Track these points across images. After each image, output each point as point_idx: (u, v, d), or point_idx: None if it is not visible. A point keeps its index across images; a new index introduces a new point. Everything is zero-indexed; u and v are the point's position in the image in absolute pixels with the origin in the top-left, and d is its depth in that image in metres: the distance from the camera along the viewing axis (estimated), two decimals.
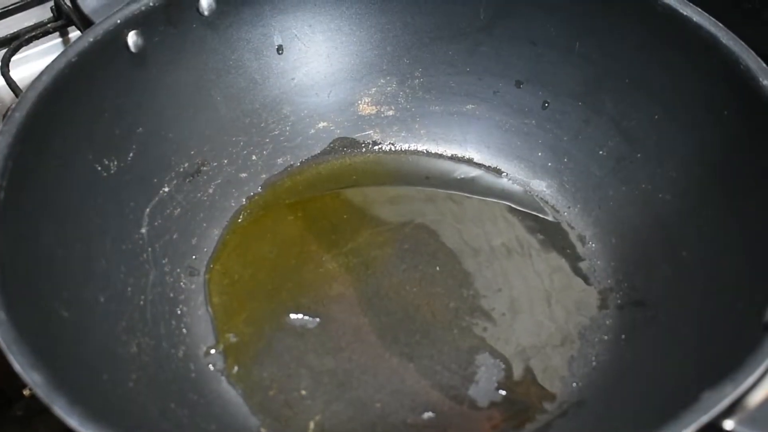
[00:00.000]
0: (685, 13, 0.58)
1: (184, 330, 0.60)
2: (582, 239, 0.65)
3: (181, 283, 0.62)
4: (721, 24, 0.57)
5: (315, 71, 0.70)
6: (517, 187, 0.69)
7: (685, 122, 0.60)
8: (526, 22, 0.66)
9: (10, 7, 0.72)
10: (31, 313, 0.47)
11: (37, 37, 0.72)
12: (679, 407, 0.41)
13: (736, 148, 0.56)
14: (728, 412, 0.41)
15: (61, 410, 0.41)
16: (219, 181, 0.67)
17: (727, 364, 0.43)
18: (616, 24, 0.62)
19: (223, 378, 0.58)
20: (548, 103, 0.68)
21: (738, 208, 0.55)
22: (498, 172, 0.69)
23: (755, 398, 0.41)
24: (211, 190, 0.66)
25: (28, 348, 0.43)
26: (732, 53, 0.56)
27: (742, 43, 0.56)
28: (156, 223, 0.62)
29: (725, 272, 0.54)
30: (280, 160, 0.69)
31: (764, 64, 0.55)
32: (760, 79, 0.54)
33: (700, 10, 0.58)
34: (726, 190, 0.57)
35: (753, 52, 0.55)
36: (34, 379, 0.42)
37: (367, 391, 0.57)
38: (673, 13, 0.59)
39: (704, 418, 0.40)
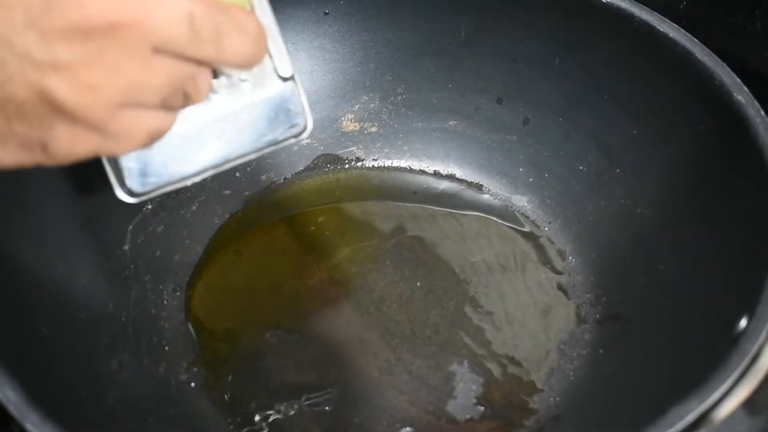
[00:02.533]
0: (661, 29, 0.59)
1: (166, 347, 0.60)
2: (562, 254, 0.65)
3: (164, 300, 0.62)
4: (696, 39, 0.58)
5: None
6: (498, 202, 0.69)
7: (662, 137, 0.61)
8: (506, 39, 0.66)
9: None
10: (8, 330, 0.48)
11: None
12: (648, 422, 0.41)
13: (711, 163, 0.57)
14: (695, 426, 0.41)
15: (34, 427, 0.41)
16: (202, 198, 0.67)
17: (698, 377, 0.43)
18: (595, 40, 0.63)
19: (203, 394, 0.58)
20: (529, 119, 0.68)
21: (712, 222, 0.56)
22: (479, 187, 0.70)
23: (722, 411, 0.41)
24: (194, 207, 0.67)
25: (2, 364, 0.43)
26: (707, 68, 0.57)
27: (717, 58, 0.57)
28: (139, 240, 0.62)
29: (700, 286, 0.54)
30: (263, 177, 0.70)
31: (738, 79, 0.55)
32: (734, 94, 0.55)
33: (676, 26, 0.59)
34: (701, 204, 0.57)
35: (727, 67, 0.56)
36: (6, 395, 0.42)
37: (347, 406, 0.57)
38: (649, 29, 0.60)
39: None
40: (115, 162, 0.43)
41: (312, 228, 0.68)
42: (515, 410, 0.57)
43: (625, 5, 0.60)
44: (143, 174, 0.44)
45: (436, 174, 0.71)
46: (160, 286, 0.63)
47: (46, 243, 0.55)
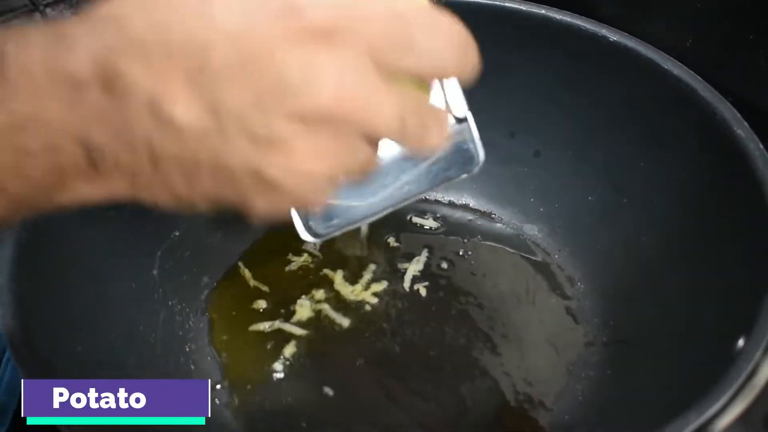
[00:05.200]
0: (666, 67, 0.61)
1: (192, 366, 0.63)
2: (571, 280, 0.68)
3: (190, 322, 0.65)
4: (699, 77, 0.60)
5: None
6: (510, 231, 0.72)
7: (667, 170, 0.63)
8: (518, 76, 0.68)
9: None
10: (49, 348, 0.51)
11: None
12: None
13: (713, 194, 0.59)
14: None
15: None
16: (227, 225, 0.70)
17: (698, 393, 0.45)
18: (603, 77, 0.65)
19: (228, 412, 0.61)
20: (540, 152, 0.71)
21: (713, 249, 0.58)
22: (492, 217, 0.73)
23: (720, 425, 0.43)
24: (219, 235, 0.69)
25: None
26: (709, 104, 0.59)
27: (719, 94, 0.59)
28: (167, 266, 0.65)
29: (701, 309, 0.57)
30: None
31: (738, 115, 0.58)
32: (734, 128, 0.57)
33: (680, 64, 0.61)
34: (703, 232, 0.60)
35: (728, 103, 0.58)
36: None
37: (363, 424, 0.60)
38: (654, 67, 0.62)
39: None
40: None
41: (331, 256, 0.70)
42: (526, 429, 0.59)
43: (631, 44, 0.63)
44: (327, 217, 0.45)
45: (451, 204, 0.74)
46: (187, 309, 0.66)
47: (83, 268, 0.58)
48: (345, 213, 0.46)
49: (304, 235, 0.46)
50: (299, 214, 0.46)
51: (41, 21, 0.69)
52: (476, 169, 0.48)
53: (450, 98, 0.46)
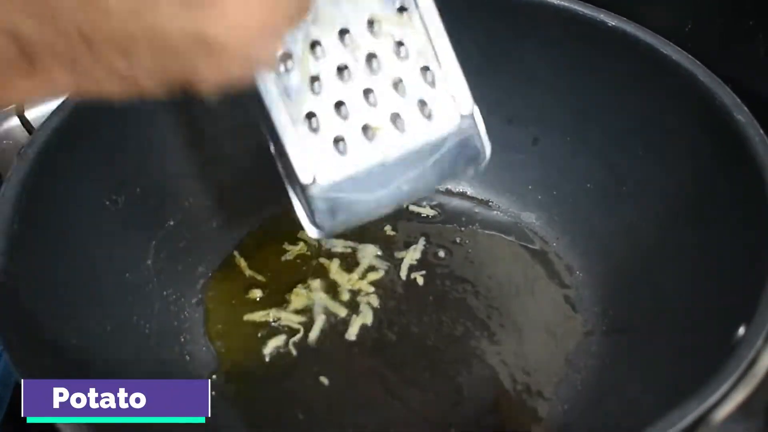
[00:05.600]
0: (665, 52, 0.61)
1: (187, 356, 0.62)
2: (570, 269, 0.67)
3: (185, 313, 0.65)
4: (698, 61, 0.60)
5: None
6: (508, 219, 0.71)
7: (666, 156, 0.63)
8: (516, 63, 0.68)
9: None
10: (42, 340, 0.50)
11: None
12: (649, 423, 0.43)
13: (713, 180, 0.59)
14: (694, 427, 0.43)
15: None
16: (223, 214, 0.69)
17: (698, 382, 0.45)
18: (602, 63, 0.65)
19: (223, 403, 0.60)
20: (538, 139, 0.70)
21: (713, 237, 0.58)
22: (489, 204, 0.72)
23: (720, 414, 0.43)
24: (214, 224, 0.69)
25: (38, 372, 0.46)
26: (708, 89, 0.58)
27: (718, 79, 0.59)
28: (161, 255, 0.65)
29: (701, 297, 0.56)
30: (282, 196, 0.71)
31: (738, 100, 0.57)
32: (734, 114, 0.57)
33: (678, 48, 0.61)
34: (702, 220, 0.59)
35: (728, 88, 0.58)
36: None
37: (360, 415, 0.60)
38: (653, 52, 0.62)
39: None
40: (306, 202, 0.45)
41: (327, 245, 0.70)
42: (524, 419, 0.59)
43: (630, 29, 0.62)
44: (332, 212, 0.45)
45: (448, 192, 0.73)
46: (182, 299, 0.65)
47: (75, 258, 0.58)
48: (350, 208, 0.46)
49: (310, 230, 0.46)
50: (304, 210, 0.46)
51: None
52: (483, 164, 0.48)
53: (456, 93, 0.46)
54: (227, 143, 0.68)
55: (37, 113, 0.72)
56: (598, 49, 0.64)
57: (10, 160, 0.56)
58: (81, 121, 0.58)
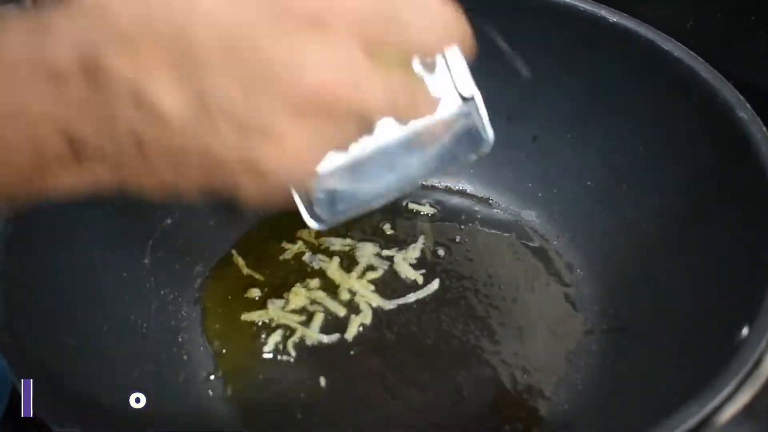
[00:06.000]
0: (666, 48, 0.61)
1: (185, 356, 0.62)
2: (570, 267, 0.67)
3: (182, 312, 0.64)
4: (700, 58, 0.59)
5: None
6: (508, 217, 0.71)
7: (668, 153, 0.62)
8: (516, 59, 0.68)
9: None
10: (37, 340, 0.50)
11: None
12: (652, 425, 0.43)
13: (714, 178, 0.59)
14: (697, 429, 0.42)
15: None
16: (220, 213, 0.69)
17: (702, 383, 0.44)
18: (602, 59, 0.64)
19: (221, 403, 0.59)
20: (538, 136, 0.70)
21: (715, 236, 0.57)
22: (489, 202, 0.72)
23: (724, 416, 0.43)
24: (212, 222, 0.68)
25: (32, 373, 0.45)
26: (710, 86, 0.58)
27: (720, 75, 0.58)
28: (159, 254, 0.64)
29: (703, 297, 0.56)
30: None
31: (741, 97, 0.57)
32: (737, 111, 0.56)
33: (680, 44, 0.60)
34: (704, 218, 0.59)
35: (730, 85, 0.58)
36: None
37: (359, 415, 0.59)
38: (654, 48, 0.61)
39: None
40: (305, 193, 0.44)
41: (325, 244, 0.69)
42: (526, 419, 0.58)
43: (631, 25, 0.62)
44: (332, 202, 0.45)
45: (448, 189, 0.73)
46: (180, 299, 0.64)
47: (73, 258, 0.57)
48: (351, 198, 0.46)
49: (310, 222, 0.45)
50: (303, 201, 0.45)
51: (30, 7, 0.68)
52: (485, 150, 0.47)
53: (456, 77, 0.45)
54: None
55: None
56: (598, 45, 0.64)
57: None
58: None
